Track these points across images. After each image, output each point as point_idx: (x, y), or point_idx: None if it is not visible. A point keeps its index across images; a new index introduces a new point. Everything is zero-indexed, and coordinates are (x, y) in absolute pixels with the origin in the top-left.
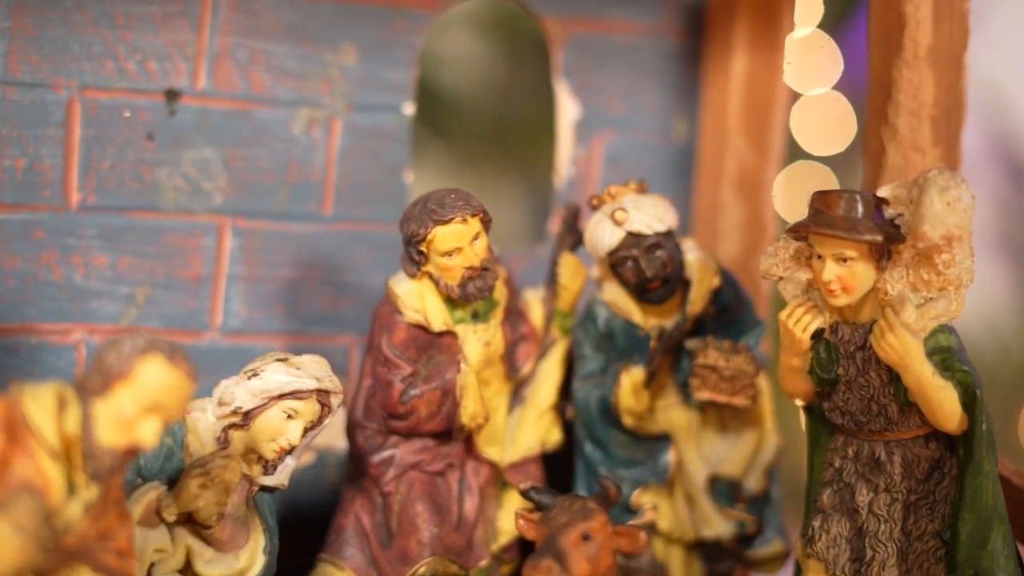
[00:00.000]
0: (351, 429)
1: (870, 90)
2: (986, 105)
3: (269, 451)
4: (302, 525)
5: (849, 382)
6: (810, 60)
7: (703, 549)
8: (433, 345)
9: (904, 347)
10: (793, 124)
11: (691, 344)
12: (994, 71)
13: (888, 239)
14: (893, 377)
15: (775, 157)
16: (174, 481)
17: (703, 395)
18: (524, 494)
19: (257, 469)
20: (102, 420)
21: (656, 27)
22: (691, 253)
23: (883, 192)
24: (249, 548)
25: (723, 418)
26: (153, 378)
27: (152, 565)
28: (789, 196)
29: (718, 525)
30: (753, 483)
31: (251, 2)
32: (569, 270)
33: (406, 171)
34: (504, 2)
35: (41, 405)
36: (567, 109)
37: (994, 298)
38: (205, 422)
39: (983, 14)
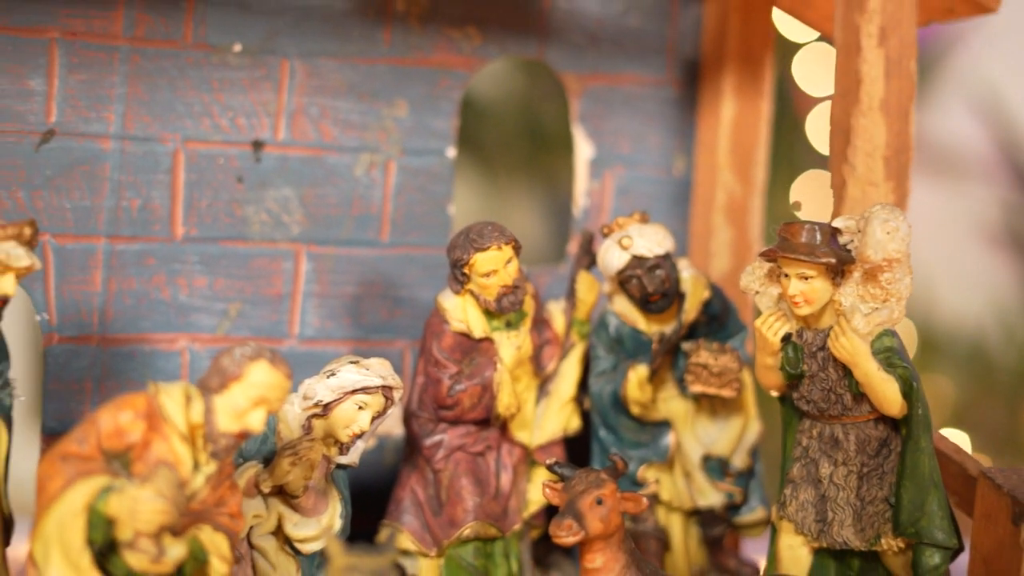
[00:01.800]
0: (407, 418)
1: (832, 135)
2: (990, 112)
3: (344, 436)
4: (367, 498)
5: (812, 376)
6: (825, 69)
7: (698, 516)
8: (474, 349)
9: (854, 348)
10: (809, 130)
11: (686, 346)
12: (991, 75)
13: (840, 261)
14: (847, 372)
15: (758, 188)
16: (268, 460)
17: (696, 388)
18: (549, 468)
19: (334, 450)
20: (220, 411)
21: (658, 79)
22: (686, 271)
23: (837, 223)
24: (328, 514)
25: (714, 407)
26: (260, 377)
27: (251, 528)
28: (805, 200)
29: (711, 496)
30: (739, 461)
31: (320, 67)
32: (585, 286)
33: (449, 204)
34: (529, 61)
35: (173, 399)
36: (583, 149)
37: (1005, 295)
38: (292, 413)
39: (977, 22)
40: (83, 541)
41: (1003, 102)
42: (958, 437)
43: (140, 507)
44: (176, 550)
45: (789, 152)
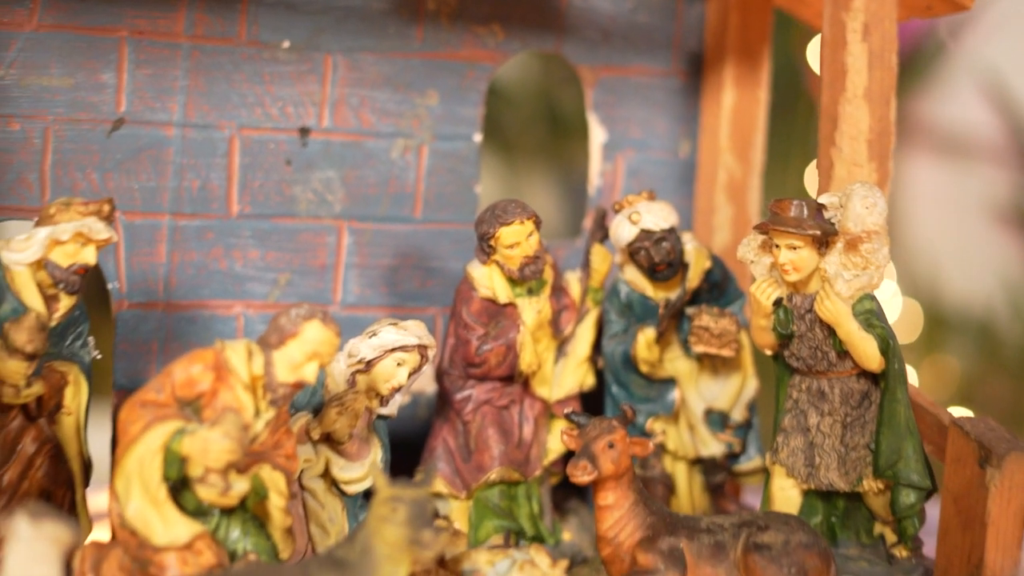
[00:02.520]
0: (439, 375)
1: (821, 120)
2: (997, 95)
3: (384, 389)
4: (404, 448)
5: (801, 336)
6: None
7: (701, 464)
8: (500, 313)
9: (837, 310)
10: None
11: (690, 311)
12: (998, 58)
13: (825, 233)
14: (831, 332)
15: (756, 169)
16: (317, 411)
17: (699, 348)
18: (566, 417)
19: (375, 402)
20: (278, 364)
21: (665, 71)
22: (689, 243)
23: (822, 199)
24: (370, 459)
25: (715, 366)
26: (313, 335)
27: (301, 471)
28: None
29: (712, 446)
30: (738, 414)
31: (360, 61)
32: (599, 257)
33: (476, 184)
34: (548, 54)
35: (237, 354)
36: (597, 134)
37: (1015, 273)
38: (338, 369)
39: (984, 7)
40: (160, 477)
41: (1009, 84)
42: (964, 415)
43: (210, 447)
44: (240, 485)
45: (804, 136)
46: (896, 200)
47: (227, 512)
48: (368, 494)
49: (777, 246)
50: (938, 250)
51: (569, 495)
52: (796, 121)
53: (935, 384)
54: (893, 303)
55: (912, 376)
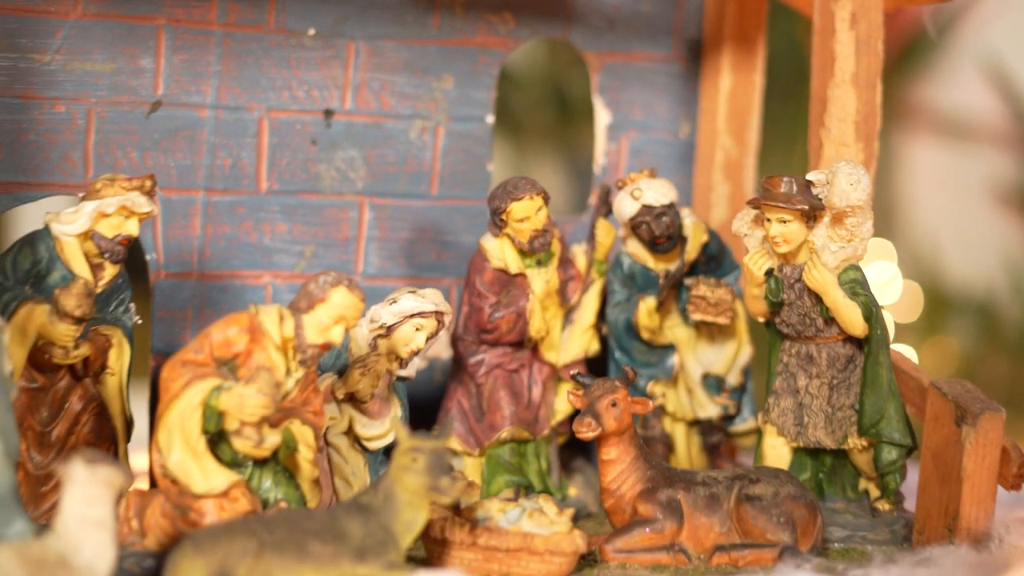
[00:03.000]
0: (454, 341)
1: (812, 103)
2: (998, 78)
3: (404, 352)
4: (421, 409)
5: (791, 304)
6: None
7: (699, 425)
8: (510, 283)
9: (824, 280)
10: None
11: (688, 281)
12: (999, 42)
13: (812, 208)
14: (819, 300)
15: (751, 149)
16: (341, 372)
17: (696, 316)
18: (573, 378)
19: (395, 365)
20: (307, 327)
21: (666, 56)
22: (688, 218)
23: (810, 176)
24: (390, 417)
25: (711, 333)
26: (340, 300)
27: (327, 428)
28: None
29: (709, 408)
30: (733, 378)
31: (380, 48)
32: (603, 231)
33: (488, 163)
34: (556, 41)
35: (269, 318)
36: (602, 116)
37: (1016, 254)
38: (361, 333)
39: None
40: (199, 430)
41: (1009, 68)
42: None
43: (245, 402)
44: (273, 438)
45: (807, 117)
46: (898, 183)
47: (260, 463)
48: (388, 450)
49: (768, 220)
50: (939, 232)
51: (575, 454)
52: (800, 103)
53: (936, 364)
54: (894, 285)
55: (912, 355)
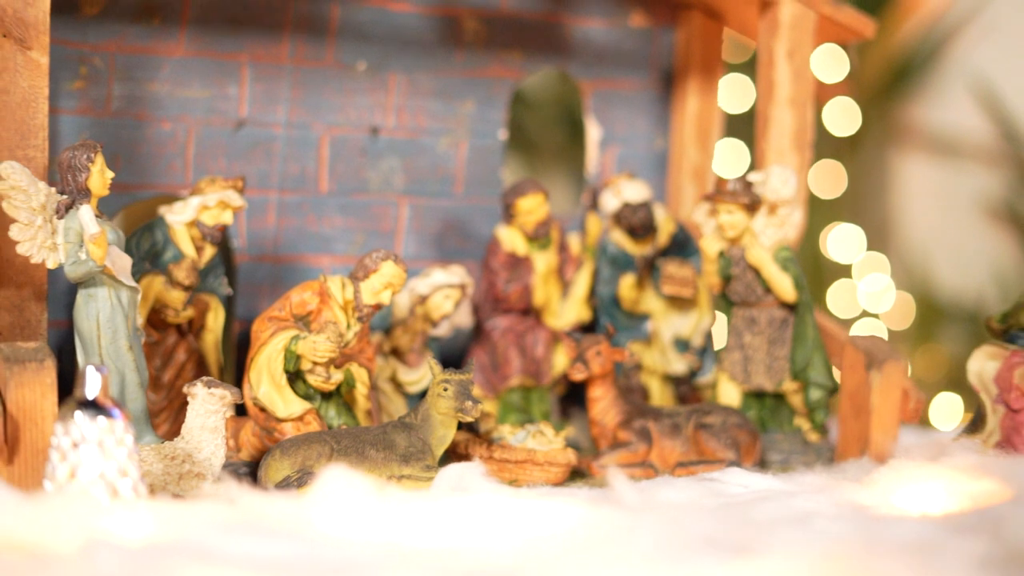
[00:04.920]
0: (475, 309)
1: (757, 121)
2: (987, 102)
3: (436, 316)
4: (447, 364)
5: (737, 277)
6: (838, 62)
7: (670, 379)
8: (519, 263)
9: (761, 257)
10: (826, 118)
11: (659, 262)
12: (985, 67)
13: (753, 202)
14: (758, 273)
15: (713, 158)
16: (388, 331)
17: (667, 290)
18: (568, 335)
19: (429, 326)
20: (363, 292)
21: (644, 84)
22: (660, 212)
23: (750, 177)
24: (424, 368)
25: (679, 304)
26: (389, 270)
27: (376, 374)
28: (823, 185)
29: (678, 365)
30: (697, 341)
31: (416, 78)
32: (592, 223)
33: (501, 170)
34: (557, 72)
35: (335, 284)
36: (593, 132)
37: (1005, 266)
38: (403, 301)
39: (973, 15)
40: (282, 369)
41: (998, 88)
42: (951, 399)
43: (316, 348)
44: (337, 376)
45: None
46: (891, 198)
47: (326, 396)
48: (422, 394)
49: (719, 212)
50: (931, 245)
51: (571, 403)
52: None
53: (927, 371)
54: (887, 295)
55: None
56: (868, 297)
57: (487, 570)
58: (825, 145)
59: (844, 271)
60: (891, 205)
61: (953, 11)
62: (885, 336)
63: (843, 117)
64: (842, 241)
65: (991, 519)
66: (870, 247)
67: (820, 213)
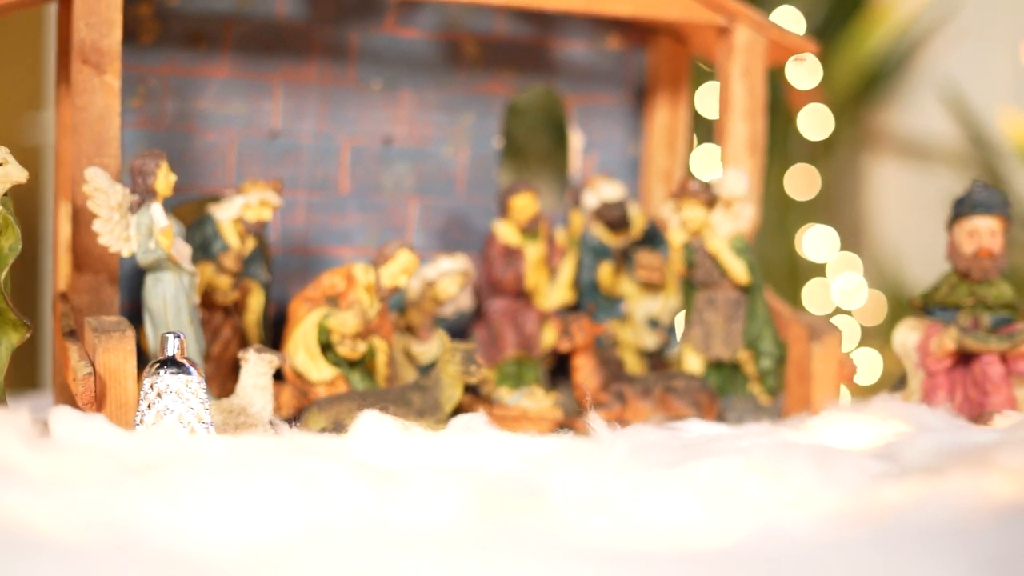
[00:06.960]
0: (475, 293)
1: (717, 131)
2: (955, 108)
3: (443, 297)
4: (453, 339)
5: (699, 264)
6: (813, 70)
7: (642, 352)
8: (513, 253)
9: (718, 246)
10: (800, 124)
11: (633, 252)
12: (954, 74)
13: (711, 199)
14: (716, 260)
15: (681, 163)
16: (402, 310)
17: (639, 276)
18: (556, 314)
19: (436, 307)
20: (383, 276)
21: (619, 99)
22: (634, 209)
23: (709, 178)
24: (434, 342)
25: (651, 288)
26: (404, 257)
27: (392, 347)
28: (798, 189)
29: (649, 341)
30: (667, 319)
31: (423, 94)
32: (575, 218)
33: (496, 173)
34: (545, 88)
35: (360, 269)
36: (576, 140)
37: None
38: (415, 285)
39: (942, 23)
40: (316, 340)
41: (966, 95)
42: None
43: (345, 322)
44: (362, 346)
45: (783, 143)
46: (863, 200)
47: (353, 364)
48: (431, 364)
49: (682, 208)
50: (901, 245)
51: (558, 374)
52: (776, 126)
53: (897, 366)
54: (859, 293)
55: (877, 357)
56: (842, 295)
57: (494, 478)
58: (800, 149)
59: (819, 270)
60: (863, 207)
61: (922, 19)
62: (858, 332)
63: (817, 123)
64: (817, 241)
65: (891, 447)
66: (843, 247)
67: (795, 215)
